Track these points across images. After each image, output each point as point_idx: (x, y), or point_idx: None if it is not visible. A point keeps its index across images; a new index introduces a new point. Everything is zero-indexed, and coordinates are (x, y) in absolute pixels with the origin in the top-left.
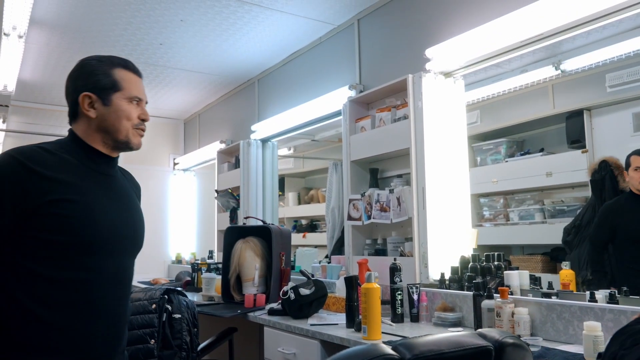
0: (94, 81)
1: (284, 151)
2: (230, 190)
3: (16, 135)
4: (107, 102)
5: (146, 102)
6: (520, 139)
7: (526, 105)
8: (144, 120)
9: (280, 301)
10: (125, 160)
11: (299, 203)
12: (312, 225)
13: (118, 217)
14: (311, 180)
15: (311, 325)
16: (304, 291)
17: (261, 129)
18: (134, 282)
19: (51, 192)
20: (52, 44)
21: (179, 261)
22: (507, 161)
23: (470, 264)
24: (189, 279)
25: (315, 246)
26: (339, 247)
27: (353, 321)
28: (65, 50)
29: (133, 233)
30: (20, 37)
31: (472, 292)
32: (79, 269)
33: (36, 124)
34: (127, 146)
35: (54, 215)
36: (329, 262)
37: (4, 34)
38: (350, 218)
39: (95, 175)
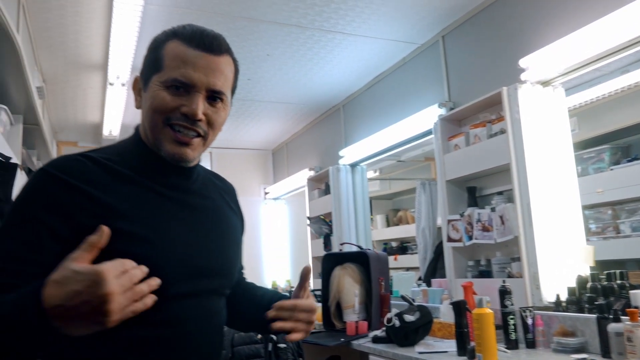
0: (145, 59)
1: (369, 174)
2: (322, 217)
3: None
4: (145, 87)
5: (211, 91)
6: (625, 144)
7: (629, 107)
8: (187, 117)
9: (383, 328)
10: None
11: (388, 225)
12: (403, 247)
13: (193, 247)
14: (399, 201)
15: (419, 353)
16: (409, 317)
17: (349, 154)
18: None
19: (99, 217)
20: None
21: (274, 289)
22: (612, 169)
23: (589, 283)
24: None
25: (407, 268)
26: (432, 269)
27: (465, 349)
28: None
29: (216, 264)
30: (123, 85)
31: (595, 315)
32: (141, 324)
33: None
34: (165, 156)
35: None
36: (420, 284)
37: (109, 83)
38: (450, 240)
39: (162, 190)
